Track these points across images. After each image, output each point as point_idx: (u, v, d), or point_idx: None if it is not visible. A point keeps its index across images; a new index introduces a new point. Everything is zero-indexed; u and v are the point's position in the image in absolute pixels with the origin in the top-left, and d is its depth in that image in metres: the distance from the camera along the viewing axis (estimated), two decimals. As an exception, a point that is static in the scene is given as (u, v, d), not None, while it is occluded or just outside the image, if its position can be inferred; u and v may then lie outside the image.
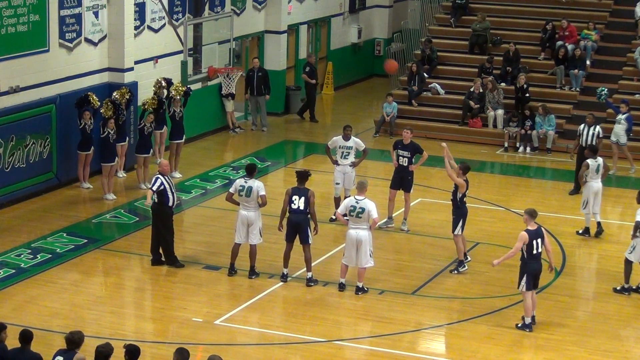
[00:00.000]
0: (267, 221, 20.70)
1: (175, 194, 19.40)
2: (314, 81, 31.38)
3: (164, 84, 24.67)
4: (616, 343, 16.77)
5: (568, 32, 30.79)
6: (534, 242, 16.66)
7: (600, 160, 21.47)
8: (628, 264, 18.42)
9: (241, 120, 30.47)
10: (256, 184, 18.61)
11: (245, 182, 18.64)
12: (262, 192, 18.60)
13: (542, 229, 16.97)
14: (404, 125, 29.59)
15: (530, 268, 16.73)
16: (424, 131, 29.72)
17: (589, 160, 21.49)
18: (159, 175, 19.08)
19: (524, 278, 16.75)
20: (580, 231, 21.68)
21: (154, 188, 18.95)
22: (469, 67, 31.63)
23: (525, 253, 16.68)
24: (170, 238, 19.35)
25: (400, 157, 21.25)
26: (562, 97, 30.10)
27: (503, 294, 18.27)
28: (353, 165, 21.78)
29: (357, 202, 17.91)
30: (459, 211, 19.06)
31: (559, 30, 30.95)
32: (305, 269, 18.66)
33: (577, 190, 23.45)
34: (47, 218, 21.73)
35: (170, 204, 19.20)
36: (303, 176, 18.76)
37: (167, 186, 19.04)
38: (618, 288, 18.56)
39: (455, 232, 19.09)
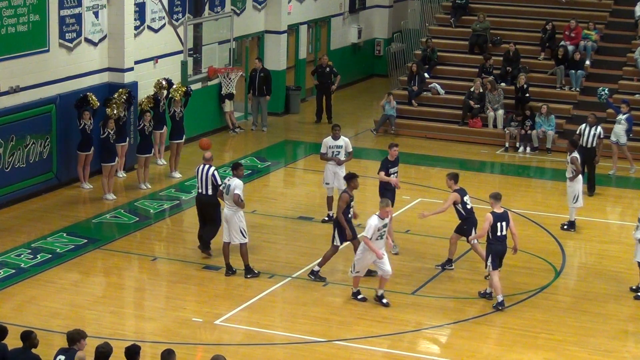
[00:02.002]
0: (267, 221, 20.76)
1: (205, 181, 19.57)
2: (316, 82, 31.41)
3: (164, 84, 24.67)
4: (616, 343, 16.76)
5: (574, 34, 30.78)
6: (498, 224, 17.49)
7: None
8: None
9: (241, 120, 30.46)
10: (234, 182, 18.55)
11: (228, 180, 18.68)
12: (236, 191, 18.46)
13: (508, 213, 17.73)
14: (404, 125, 29.84)
15: (495, 249, 17.55)
16: (424, 131, 29.76)
17: (577, 155, 21.66)
18: (215, 168, 19.43)
19: (489, 258, 17.59)
20: (566, 226, 21.78)
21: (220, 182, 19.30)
22: (469, 67, 31.64)
23: (490, 234, 17.51)
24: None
25: (392, 175, 20.44)
26: (562, 97, 30.09)
27: (503, 294, 18.26)
28: (340, 163, 21.72)
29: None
30: (468, 221, 18.94)
31: (565, 29, 30.91)
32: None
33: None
34: (47, 218, 21.72)
35: (199, 189, 19.66)
36: (346, 179, 18.92)
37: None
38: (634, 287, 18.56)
39: (469, 239, 18.97)
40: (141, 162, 23.80)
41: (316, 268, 18.73)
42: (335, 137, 21.69)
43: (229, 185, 18.56)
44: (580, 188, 21.65)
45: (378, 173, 20.40)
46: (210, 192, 19.29)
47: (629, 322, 17.59)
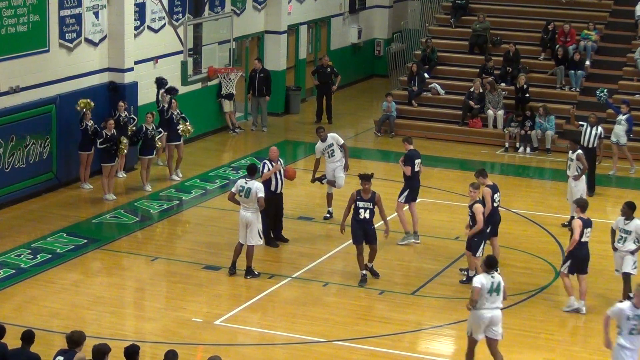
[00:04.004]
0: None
1: (280, 180, 20.11)
2: (316, 82, 31.44)
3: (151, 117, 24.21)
4: (616, 343, 16.74)
5: (569, 38, 30.77)
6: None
7: None
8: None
9: (241, 121, 30.46)
10: (255, 185, 18.58)
11: (246, 182, 18.64)
12: (260, 194, 18.56)
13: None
14: (404, 126, 29.82)
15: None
16: (424, 131, 29.76)
17: (581, 151, 21.70)
18: (266, 161, 20.07)
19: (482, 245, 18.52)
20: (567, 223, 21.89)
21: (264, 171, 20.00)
22: (469, 67, 31.64)
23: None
24: (266, 219, 19.78)
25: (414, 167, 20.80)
26: (562, 97, 30.09)
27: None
28: (346, 168, 21.76)
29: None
30: (493, 218, 18.93)
31: (560, 34, 30.90)
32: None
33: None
34: (47, 218, 21.73)
35: (272, 188, 19.97)
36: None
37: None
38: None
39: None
40: (144, 164, 23.76)
41: (369, 264, 18.77)
42: (324, 139, 21.70)
43: (249, 188, 18.52)
44: (585, 187, 21.77)
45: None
46: (281, 189, 20.28)
47: (629, 322, 17.56)
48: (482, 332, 15.03)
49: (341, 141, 21.84)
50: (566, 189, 22.98)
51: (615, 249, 17.99)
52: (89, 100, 22.99)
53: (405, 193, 20.64)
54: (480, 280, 14.96)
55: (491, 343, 15.06)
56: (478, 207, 18.27)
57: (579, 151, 21.79)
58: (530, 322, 17.37)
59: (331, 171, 21.77)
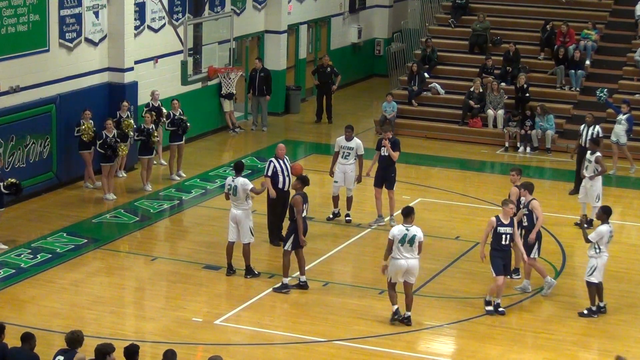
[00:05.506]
0: (267, 221, 20.71)
1: (287, 178, 20.09)
2: (317, 82, 31.45)
3: (150, 118, 24.12)
4: (616, 343, 16.74)
5: (568, 39, 30.77)
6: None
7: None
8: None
9: (241, 120, 30.47)
10: (240, 181, 18.55)
11: (233, 180, 18.66)
12: (249, 187, 18.56)
13: None
14: (404, 125, 29.83)
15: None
16: (424, 131, 29.78)
17: (600, 154, 21.64)
18: (272, 159, 20.12)
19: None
20: (586, 224, 21.79)
21: (268, 173, 20.03)
22: (469, 67, 31.65)
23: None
24: (273, 218, 20.05)
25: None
26: (562, 97, 30.10)
27: (503, 293, 18.25)
28: (359, 180, 21.85)
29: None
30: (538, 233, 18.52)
31: (558, 34, 30.87)
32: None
33: (577, 190, 23.34)
34: (47, 218, 21.73)
35: (280, 186, 20.01)
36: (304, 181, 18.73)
37: (279, 169, 19.98)
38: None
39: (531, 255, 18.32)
40: (144, 164, 23.75)
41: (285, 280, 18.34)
42: (348, 139, 21.72)
43: (236, 186, 18.53)
44: (601, 187, 21.63)
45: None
46: (289, 187, 20.15)
47: (628, 321, 17.58)
48: (400, 278, 16.62)
49: (361, 152, 21.80)
50: (566, 188, 23.05)
51: None
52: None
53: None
54: (393, 232, 16.47)
55: (406, 286, 16.71)
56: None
57: (598, 154, 21.66)
58: (531, 322, 17.37)
59: (341, 173, 21.74)
